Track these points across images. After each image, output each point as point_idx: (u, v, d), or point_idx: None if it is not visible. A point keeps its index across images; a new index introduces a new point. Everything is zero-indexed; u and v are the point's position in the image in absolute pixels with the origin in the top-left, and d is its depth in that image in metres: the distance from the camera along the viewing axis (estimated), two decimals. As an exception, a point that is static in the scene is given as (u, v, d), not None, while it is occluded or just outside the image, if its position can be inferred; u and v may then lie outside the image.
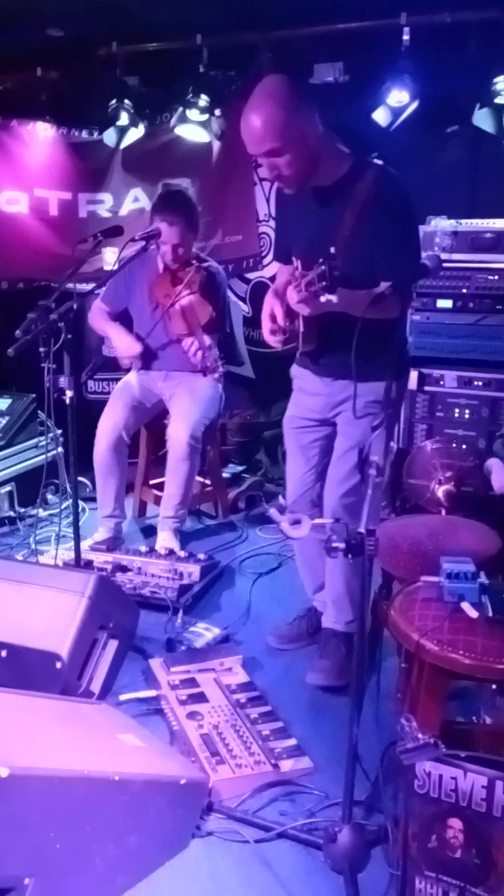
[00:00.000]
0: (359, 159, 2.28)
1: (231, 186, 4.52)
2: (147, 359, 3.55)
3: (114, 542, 3.31)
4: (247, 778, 1.99)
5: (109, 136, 4.45)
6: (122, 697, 2.32)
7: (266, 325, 2.45)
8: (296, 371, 2.60)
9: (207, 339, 3.34)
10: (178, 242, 3.33)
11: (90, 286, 3.07)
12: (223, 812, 1.90)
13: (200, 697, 2.29)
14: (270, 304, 2.44)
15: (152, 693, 2.35)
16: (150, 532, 3.50)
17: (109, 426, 3.36)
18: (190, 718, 2.19)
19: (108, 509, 3.41)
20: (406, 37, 3.69)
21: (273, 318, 2.40)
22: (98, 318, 3.60)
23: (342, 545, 1.50)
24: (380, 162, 2.29)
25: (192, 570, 3.04)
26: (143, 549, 3.20)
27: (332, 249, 2.03)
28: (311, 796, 1.97)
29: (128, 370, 3.57)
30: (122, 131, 4.41)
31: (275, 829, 1.84)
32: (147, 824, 1.71)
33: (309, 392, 2.54)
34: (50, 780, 1.48)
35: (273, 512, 1.72)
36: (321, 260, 1.98)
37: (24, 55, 4.46)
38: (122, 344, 3.50)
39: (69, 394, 2.73)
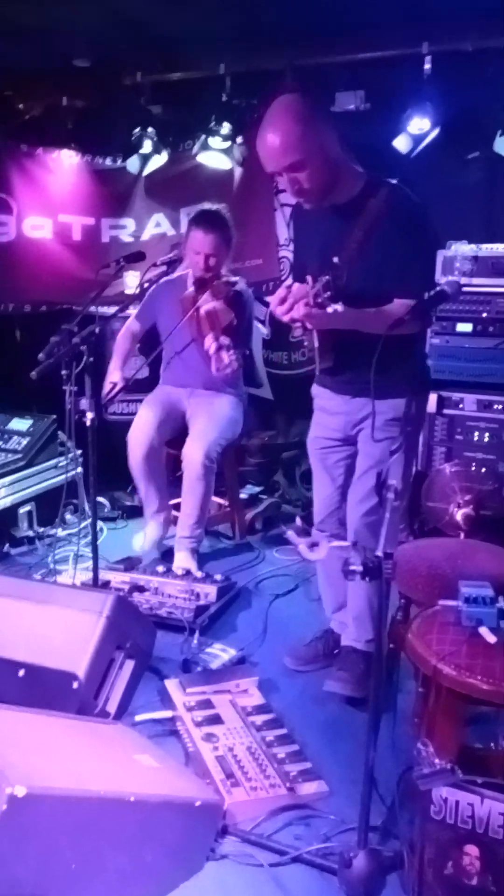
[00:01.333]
0: (373, 177, 2.32)
1: (252, 211, 4.58)
2: (174, 375, 3.62)
3: (134, 562, 3.33)
4: (262, 801, 1.98)
5: (133, 164, 4.54)
6: (138, 718, 2.33)
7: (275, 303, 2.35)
8: (316, 390, 2.60)
9: (227, 340, 3.28)
10: (211, 252, 3.39)
11: (112, 310, 3.12)
12: (238, 835, 1.89)
13: (216, 719, 2.29)
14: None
15: (168, 714, 2.35)
16: (167, 552, 3.51)
17: (141, 434, 3.43)
18: (205, 740, 2.18)
19: (155, 506, 3.53)
20: (427, 66, 3.75)
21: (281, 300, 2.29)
22: (121, 338, 3.67)
23: (360, 568, 1.51)
24: (393, 181, 2.32)
25: (209, 591, 3.05)
26: (161, 569, 3.21)
27: (336, 259, 2.08)
28: (327, 820, 1.95)
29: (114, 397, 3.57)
30: (146, 158, 4.50)
31: (289, 854, 1.82)
32: (162, 845, 1.71)
33: (329, 411, 2.55)
34: (66, 800, 1.49)
35: (291, 534, 1.73)
36: (326, 270, 2.01)
37: (51, 84, 4.58)
38: (111, 369, 3.54)
39: (90, 415, 2.76)
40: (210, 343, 3.20)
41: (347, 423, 2.47)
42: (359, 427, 2.43)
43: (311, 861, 1.81)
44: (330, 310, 2.07)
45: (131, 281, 4.30)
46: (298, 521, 3.39)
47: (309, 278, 2.27)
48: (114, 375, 3.49)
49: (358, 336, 2.10)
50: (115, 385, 3.34)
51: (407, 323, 2.02)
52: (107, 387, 3.42)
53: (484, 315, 3.52)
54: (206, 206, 3.59)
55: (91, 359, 2.75)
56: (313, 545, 1.70)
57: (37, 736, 1.79)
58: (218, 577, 3.16)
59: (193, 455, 3.29)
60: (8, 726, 1.78)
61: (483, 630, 1.80)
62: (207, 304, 3.35)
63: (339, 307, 2.05)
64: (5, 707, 1.87)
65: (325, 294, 2.04)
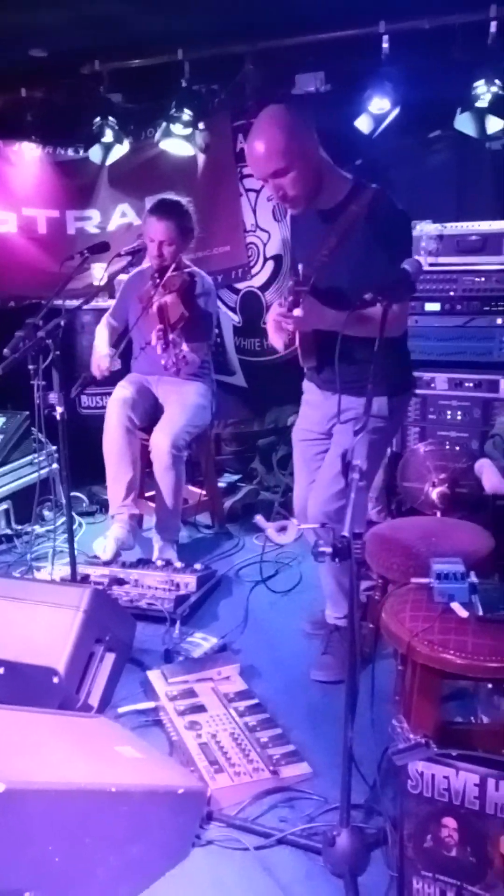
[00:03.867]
0: (358, 183, 2.38)
1: (217, 198, 4.56)
2: (142, 365, 3.61)
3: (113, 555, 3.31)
4: (246, 785, 1.99)
5: (95, 154, 4.50)
6: (121, 710, 2.33)
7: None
8: (305, 385, 2.71)
9: (175, 336, 3.27)
10: (164, 239, 3.36)
11: (78, 302, 3.09)
12: (223, 820, 1.90)
13: (199, 707, 2.29)
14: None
15: (151, 705, 2.35)
16: (146, 544, 3.50)
17: (115, 412, 3.39)
18: (188, 728, 2.19)
19: (119, 499, 3.37)
20: (385, 44, 3.74)
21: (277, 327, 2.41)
22: (99, 328, 3.65)
23: (329, 549, 1.52)
24: (375, 186, 2.37)
25: (189, 581, 3.05)
26: (140, 560, 3.21)
27: (300, 267, 2.26)
28: (311, 801, 1.97)
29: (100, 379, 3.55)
30: (108, 148, 4.46)
31: (274, 836, 1.84)
32: (147, 834, 1.72)
33: (312, 405, 2.66)
34: (48, 794, 1.49)
35: (259, 519, 1.74)
36: (293, 275, 2.07)
37: (8, 75, 4.51)
38: (97, 351, 3.53)
39: (59, 410, 2.75)
40: (155, 341, 3.22)
41: (324, 418, 2.56)
42: (333, 422, 2.48)
43: (296, 842, 1.83)
44: (297, 312, 2.22)
45: (98, 273, 4.27)
46: (277, 505, 3.40)
47: (290, 282, 2.41)
48: (103, 350, 3.48)
49: (334, 337, 2.12)
50: (107, 360, 3.39)
51: (372, 318, 2.02)
52: (100, 363, 3.42)
53: (451, 293, 3.54)
54: (169, 195, 3.56)
55: (58, 352, 2.72)
56: (282, 528, 1.71)
57: (17, 732, 1.79)
58: (197, 566, 3.17)
59: (161, 444, 3.27)
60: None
61: (455, 605, 1.82)
62: (160, 298, 3.33)
63: (298, 312, 2.22)
64: (-15, 706, 1.87)
65: (289, 299, 2.20)
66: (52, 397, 2.79)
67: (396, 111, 3.80)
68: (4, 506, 3.62)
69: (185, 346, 3.21)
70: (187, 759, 2.08)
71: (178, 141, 4.36)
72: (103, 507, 4.01)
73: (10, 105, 4.61)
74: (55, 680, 2.13)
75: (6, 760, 1.55)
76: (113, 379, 3.63)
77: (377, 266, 2.18)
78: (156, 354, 3.34)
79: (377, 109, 3.80)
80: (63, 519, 3.58)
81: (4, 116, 4.60)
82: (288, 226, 4.28)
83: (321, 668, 2.54)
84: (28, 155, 4.59)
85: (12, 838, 1.45)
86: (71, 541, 2.79)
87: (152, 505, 3.50)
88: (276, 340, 2.43)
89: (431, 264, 3.53)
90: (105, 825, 1.61)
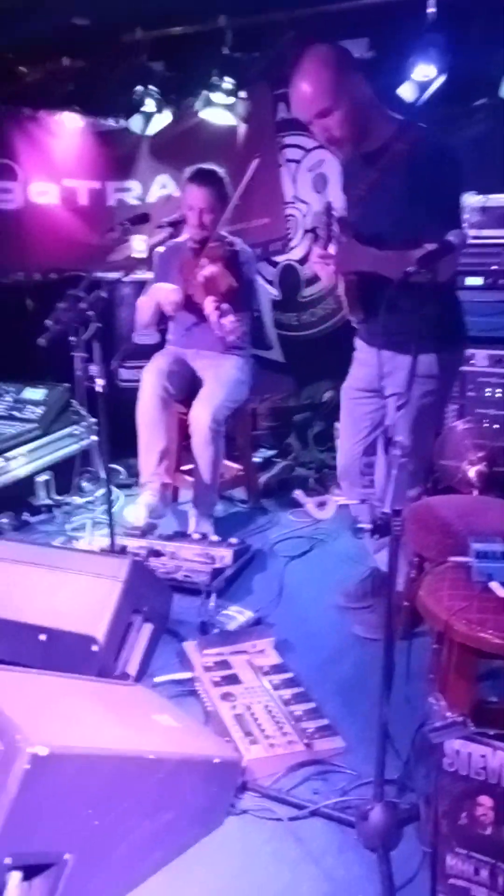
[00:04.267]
0: (405, 122, 2.33)
1: (257, 169, 4.49)
2: (179, 338, 3.59)
3: (149, 527, 3.34)
4: (280, 757, 2.02)
5: (136, 123, 4.47)
6: (157, 679, 2.36)
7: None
8: (356, 342, 2.66)
9: (228, 308, 3.24)
10: (204, 207, 3.34)
11: (119, 274, 3.10)
12: (257, 790, 1.93)
13: (233, 679, 2.32)
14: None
15: (186, 675, 2.38)
16: (182, 517, 3.53)
17: (150, 380, 3.37)
18: (223, 699, 2.22)
19: (151, 468, 3.36)
20: (431, 10, 3.63)
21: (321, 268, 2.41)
22: (143, 299, 3.60)
23: (369, 525, 1.51)
24: (423, 125, 2.34)
25: (225, 554, 3.07)
26: (176, 533, 3.24)
27: (330, 201, 2.26)
28: (344, 775, 1.99)
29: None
30: (148, 118, 4.43)
31: (308, 808, 1.86)
32: (182, 802, 1.75)
33: (361, 362, 2.61)
34: (87, 759, 1.52)
35: (299, 493, 1.73)
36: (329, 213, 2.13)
37: (50, 45, 4.49)
38: (162, 290, 3.43)
39: (100, 382, 2.77)
40: (210, 310, 3.18)
41: (375, 376, 2.44)
42: (384, 381, 2.39)
43: (329, 814, 1.85)
44: (331, 249, 2.22)
45: (138, 244, 4.25)
46: (311, 482, 3.39)
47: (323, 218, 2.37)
48: (173, 292, 3.37)
49: (381, 286, 2.08)
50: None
51: (416, 272, 1.96)
52: (171, 296, 3.35)
53: (494, 268, 3.46)
54: (209, 165, 3.53)
55: (99, 324, 2.74)
56: (321, 504, 1.71)
57: (57, 698, 1.83)
58: (233, 540, 3.19)
59: (200, 418, 3.27)
60: (29, 689, 1.82)
61: (494, 585, 1.80)
62: (205, 268, 3.31)
63: (330, 249, 2.23)
64: (26, 671, 1.92)
65: (327, 235, 2.21)
66: (93, 369, 2.81)
67: (442, 79, 3.70)
68: (45, 476, 3.67)
69: (232, 316, 3.19)
70: (222, 729, 2.11)
71: (219, 110, 4.31)
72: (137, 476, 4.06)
73: (52, 74, 4.59)
74: (94, 648, 2.17)
75: (48, 725, 1.58)
76: (149, 352, 3.64)
77: (420, 206, 2.13)
78: (197, 327, 3.33)
79: (422, 77, 3.70)
80: (101, 490, 3.65)
81: (46, 86, 4.58)
82: (327, 197, 4.22)
83: (360, 623, 2.60)
84: (69, 125, 4.58)
85: (53, 801, 1.49)
86: (110, 512, 2.82)
87: (188, 478, 3.53)
88: (324, 279, 2.43)
89: (474, 237, 3.44)
90: (142, 791, 1.65)
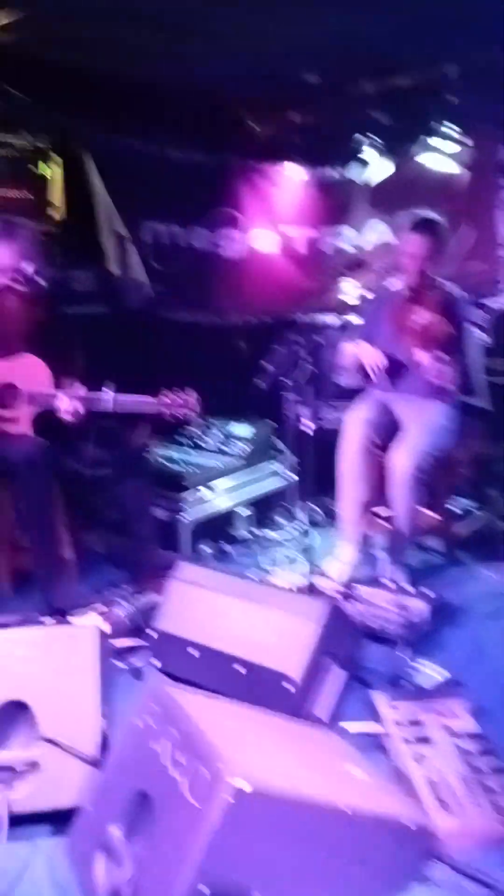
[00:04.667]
0: None
1: (475, 215, 4.45)
2: (386, 381, 3.58)
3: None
4: (474, 832, 1.92)
5: (355, 172, 4.58)
6: (351, 729, 2.34)
7: None
8: None
9: (444, 356, 3.24)
10: (423, 255, 3.34)
11: (331, 317, 3.17)
12: (449, 863, 1.85)
13: (426, 740, 2.24)
14: None
15: (375, 728, 2.34)
16: (372, 560, 3.49)
17: (358, 425, 3.36)
18: (414, 760, 2.16)
19: (355, 519, 3.36)
20: None
21: None
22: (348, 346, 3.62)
23: None
24: None
25: (420, 606, 2.99)
26: (370, 579, 3.22)
27: None
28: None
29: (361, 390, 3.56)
30: (369, 167, 4.52)
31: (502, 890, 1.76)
32: (371, 862, 1.72)
33: None
34: (287, 802, 1.54)
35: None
36: None
37: (279, 100, 4.73)
38: (367, 351, 3.44)
39: (310, 424, 2.83)
40: (427, 360, 3.16)
41: None
42: None
43: (526, 903, 1.73)
44: None
45: (349, 290, 4.35)
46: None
47: None
48: (376, 355, 3.39)
49: None
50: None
51: None
52: (375, 360, 3.37)
53: None
54: (427, 211, 3.52)
55: (314, 368, 2.82)
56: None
57: (256, 732, 1.87)
58: (429, 592, 3.10)
59: (403, 465, 3.23)
60: (229, 719, 1.88)
61: None
62: (422, 317, 3.29)
63: None
64: (226, 700, 1.98)
65: None
66: (303, 411, 2.89)
67: None
68: (248, 511, 3.79)
69: (441, 360, 3.16)
70: (412, 791, 2.05)
71: (440, 156, 4.31)
72: (334, 517, 4.08)
73: (279, 128, 4.83)
74: (291, 688, 2.20)
75: (251, 759, 1.62)
76: (352, 395, 3.67)
77: None
78: (405, 372, 3.32)
79: None
80: (296, 527, 3.72)
81: (273, 140, 4.83)
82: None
83: None
84: (292, 176, 4.79)
85: (250, 838, 1.52)
86: (309, 552, 2.86)
87: (382, 523, 3.49)
88: None
89: None
90: (334, 843, 1.64)
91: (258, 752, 1.74)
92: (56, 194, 4.29)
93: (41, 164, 4.19)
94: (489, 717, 2.42)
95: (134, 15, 3.57)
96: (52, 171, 4.24)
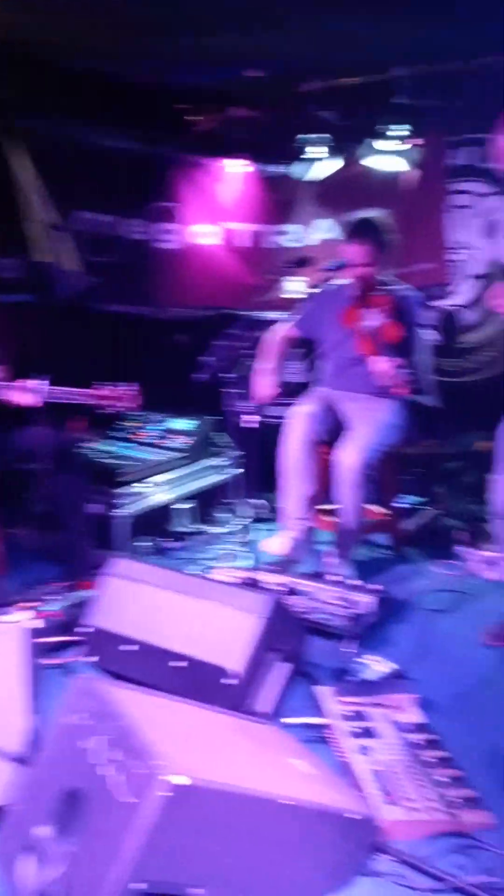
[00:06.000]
0: None
1: (423, 215, 4.48)
2: (333, 380, 3.56)
3: (287, 564, 3.30)
4: (420, 823, 1.88)
5: (300, 170, 4.57)
6: (287, 721, 2.28)
7: None
8: None
9: (396, 360, 3.23)
10: (364, 261, 3.32)
11: (273, 314, 3.13)
12: (394, 854, 1.80)
13: (371, 732, 2.20)
14: None
15: (319, 721, 2.29)
16: (318, 557, 3.45)
17: (297, 426, 3.32)
18: (359, 752, 2.11)
19: (298, 513, 3.32)
20: None
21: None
22: (275, 342, 3.53)
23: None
24: None
25: (366, 600, 2.96)
26: (314, 573, 3.17)
27: None
28: (490, 854, 1.82)
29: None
30: (314, 164, 4.52)
31: (451, 881, 1.71)
32: (315, 854, 1.67)
33: None
34: (227, 795, 1.48)
35: (464, 550, 1.62)
36: None
37: (221, 95, 4.70)
38: (260, 382, 3.41)
39: (253, 418, 2.78)
40: (380, 365, 3.15)
41: None
42: None
43: (474, 893, 1.69)
44: None
45: (291, 286, 4.32)
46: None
47: None
48: (270, 380, 3.40)
49: None
50: (271, 389, 3.32)
51: None
52: (261, 388, 3.37)
53: None
54: (371, 212, 3.51)
55: (254, 363, 2.77)
56: (490, 563, 1.58)
57: (196, 727, 1.80)
58: (374, 586, 3.07)
59: (350, 461, 3.20)
60: (168, 715, 1.81)
61: None
62: (372, 319, 3.27)
63: None
64: (165, 696, 1.91)
65: None
66: (244, 406, 2.84)
67: None
68: (187, 505, 3.72)
69: (395, 364, 3.16)
70: (357, 784, 2.00)
71: (388, 157, 4.34)
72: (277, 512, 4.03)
73: (221, 124, 4.79)
74: (233, 682, 2.14)
75: (189, 754, 1.55)
76: (297, 391, 3.64)
77: None
78: (351, 369, 3.31)
79: None
80: (238, 522, 3.66)
81: (216, 134, 4.79)
82: (498, 243, 4.12)
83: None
84: (234, 170, 4.76)
85: (189, 834, 1.46)
86: (250, 546, 2.81)
87: (326, 518, 3.46)
88: None
89: None
90: (276, 836, 1.58)
91: (196, 747, 1.68)
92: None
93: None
94: (435, 709, 2.40)
95: (74, 3, 3.49)
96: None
